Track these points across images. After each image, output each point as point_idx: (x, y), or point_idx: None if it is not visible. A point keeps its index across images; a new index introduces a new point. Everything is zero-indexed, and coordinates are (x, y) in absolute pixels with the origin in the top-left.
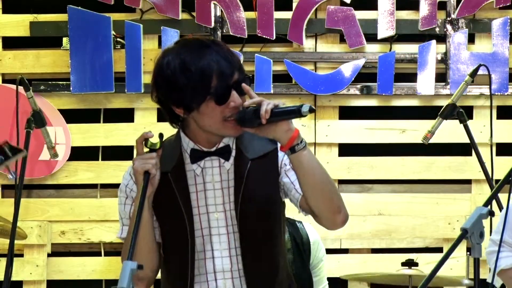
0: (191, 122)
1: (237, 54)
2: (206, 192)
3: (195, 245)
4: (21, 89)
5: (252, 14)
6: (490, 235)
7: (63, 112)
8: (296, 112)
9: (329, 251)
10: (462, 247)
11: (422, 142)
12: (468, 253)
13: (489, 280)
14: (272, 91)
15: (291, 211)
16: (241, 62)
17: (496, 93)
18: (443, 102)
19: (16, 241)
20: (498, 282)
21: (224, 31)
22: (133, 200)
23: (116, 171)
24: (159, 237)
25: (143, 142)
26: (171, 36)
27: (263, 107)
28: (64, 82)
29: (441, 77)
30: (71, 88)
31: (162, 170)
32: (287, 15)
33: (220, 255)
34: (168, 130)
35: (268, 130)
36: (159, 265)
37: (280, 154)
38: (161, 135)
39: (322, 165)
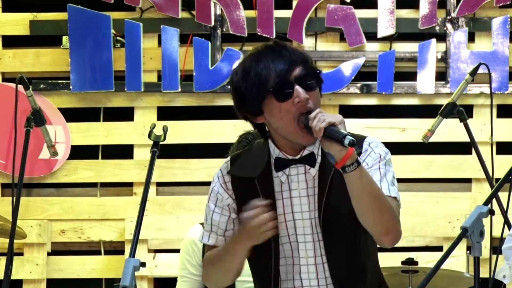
0: (271, 130)
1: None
2: (292, 199)
3: (278, 252)
4: (20, 87)
5: (252, 13)
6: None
7: (63, 110)
8: (339, 142)
9: None
10: (462, 246)
11: (422, 141)
12: (468, 252)
13: (499, 277)
14: None
15: None
16: (311, 59)
17: (496, 92)
18: (443, 101)
19: (16, 240)
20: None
21: (224, 30)
22: (222, 209)
23: (116, 170)
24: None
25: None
26: (171, 35)
27: (318, 124)
28: (64, 81)
29: (441, 76)
30: (71, 87)
31: (249, 175)
32: (287, 13)
33: (306, 262)
34: (169, 129)
35: (325, 144)
36: None
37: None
38: (165, 127)
39: (375, 186)
